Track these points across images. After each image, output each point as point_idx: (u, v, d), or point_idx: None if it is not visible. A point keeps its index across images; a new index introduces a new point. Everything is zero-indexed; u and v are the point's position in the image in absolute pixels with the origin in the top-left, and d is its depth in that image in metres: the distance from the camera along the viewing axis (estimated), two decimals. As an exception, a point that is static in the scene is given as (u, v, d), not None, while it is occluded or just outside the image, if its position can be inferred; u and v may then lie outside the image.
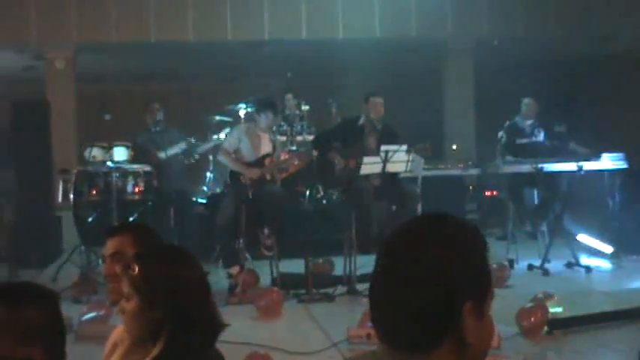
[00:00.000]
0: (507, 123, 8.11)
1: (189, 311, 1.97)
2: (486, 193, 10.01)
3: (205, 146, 8.08)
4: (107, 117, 7.25)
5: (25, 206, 8.42)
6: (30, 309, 1.58)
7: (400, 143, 6.49)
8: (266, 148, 6.80)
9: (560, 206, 7.35)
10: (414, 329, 1.25)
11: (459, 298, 1.25)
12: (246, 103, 9.24)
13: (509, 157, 7.78)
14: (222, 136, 7.98)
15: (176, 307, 1.96)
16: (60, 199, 7.54)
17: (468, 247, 1.29)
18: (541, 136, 8.01)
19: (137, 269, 2.02)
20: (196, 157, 7.83)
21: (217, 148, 8.09)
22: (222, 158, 6.92)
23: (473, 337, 1.26)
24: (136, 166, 7.20)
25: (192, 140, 7.72)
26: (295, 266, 6.73)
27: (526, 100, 8.04)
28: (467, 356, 1.27)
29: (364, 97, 6.94)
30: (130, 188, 7.08)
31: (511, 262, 7.22)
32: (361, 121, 6.91)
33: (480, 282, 1.29)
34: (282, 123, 8.87)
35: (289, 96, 9.17)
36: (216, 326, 2.04)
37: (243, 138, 6.79)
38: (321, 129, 8.61)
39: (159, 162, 7.45)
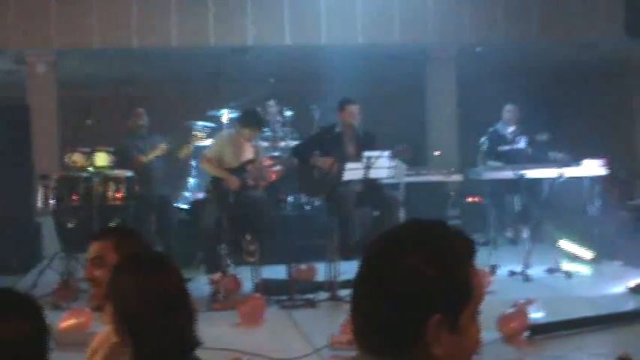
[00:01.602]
0: (490, 129, 8.16)
1: (154, 324, 1.94)
2: (468, 200, 10.05)
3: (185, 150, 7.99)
4: (89, 122, 7.21)
5: (5, 212, 8.35)
6: (13, 323, 1.56)
7: (380, 148, 6.50)
8: (248, 154, 6.81)
9: (541, 212, 7.40)
10: (379, 338, 1.25)
11: (423, 310, 1.22)
12: (229, 108, 9.24)
13: (491, 162, 7.80)
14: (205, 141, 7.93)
15: (141, 319, 1.94)
16: (40, 205, 7.48)
17: (445, 257, 1.25)
18: (522, 143, 8.06)
19: (111, 276, 2.03)
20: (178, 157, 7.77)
21: (198, 149, 8.07)
22: (204, 166, 6.91)
23: (443, 351, 1.23)
24: (117, 172, 7.16)
25: (165, 144, 7.68)
26: (277, 272, 6.72)
27: (507, 107, 8.10)
28: None
29: (339, 105, 6.94)
30: (111, 194, 7.03)
31: (492, 268, 7.25)
32: (337, 128, 6.91)
33: (455, 294, 1.24)
34: (265, 129, 8.87)
35: (271, 102, 9.17)
36: (188, 341, 2.00)
37: (225, 145, 6.79)
38: (304, 135, 8.61)
39: (142, 166, 7.41)
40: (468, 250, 1.30)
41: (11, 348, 1.54)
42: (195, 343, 2.01)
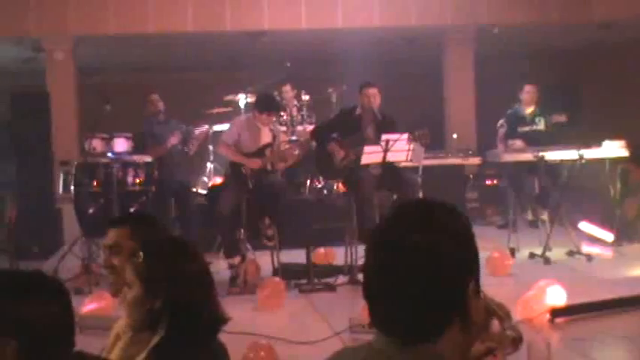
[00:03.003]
0: (508, 111, 8.09)
1: (189, 302, 1.98)
2: (487, 182, 10.01)
3: (199, 129, 8.01)
4: (107, 108, 7.24)
5: (26, 198, 8.43)
6: (44, 303, 1.59)
7: (399, 132, 6.47)
8: (266, 138, 6.79)
9: (560, 194, 7.34)
10: (426, 318, 1.26)
11: (464, 278, 1.27)
12: (245, 93, 9.23)
13: (511, 142, 7.71)
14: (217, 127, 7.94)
15: (177, 297, 1.98)
16: (61, 191, 7.53)
17: (459, 228, 1.31)
18: (542, 125, 7.98)
19: (141, 257, 2.04)
20: (193, 141, 7.80)
21: (216, 134, 8.09)
22: (222, 151, 6.91)
23: (475, 314, 1.28)
24: (136, 157, 7.19)
25: (184, 127, 7.72)
26: (296, 256, 6.73)
27: (526, 88, 8.00)
28: (471, 334, 1.30)
29: (359, 87, 6.93)
30: (130, 179, 7.07)
31: (512, 251, 7.22)
32: (358, 111, 6.89)
33: (475, 260, 1.31)
34: (282, 113, 8.87)
35: (287, 87, 9.14)
36: (218, 319, 2.05)
37: (243, 130, 6.78)
38: (321, 119, 8.59)
39: (164, 153, 7.44)
40: (466, 218, 1.36)
41: (42, 327, 1.57)
42: (224, 319, 2.07)
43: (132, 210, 6.84)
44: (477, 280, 1.30)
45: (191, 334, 1.97)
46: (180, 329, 1.97)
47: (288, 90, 9.13)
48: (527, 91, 7.99)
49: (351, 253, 6.44)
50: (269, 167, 6.75)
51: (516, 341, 1.45)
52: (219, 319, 2.06)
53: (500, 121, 8.06)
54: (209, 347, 2.02)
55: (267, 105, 6.74)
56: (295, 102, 9.17)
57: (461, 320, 1.27)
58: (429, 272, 1.25)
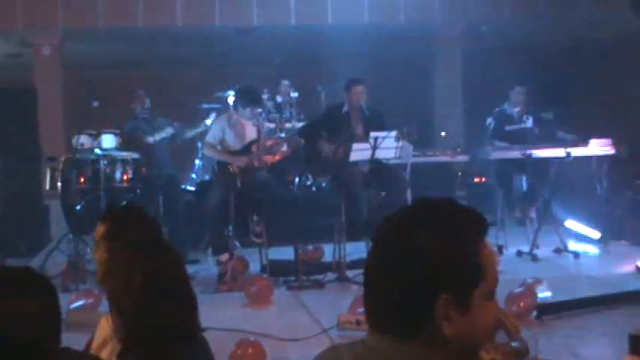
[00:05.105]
0: (496, 109, 8.12)
1: (137, 311, 1.91)
2: (475, 180, 10.03)
3: (192, 132, 8.01)
4: (95, 104, 7.21)
5: (13, 195, 8.37)
6: (33, 299, 1.59)
7: (388, 129, 6.48)
8: (251, 134, 6.78)
9: (548, 192, 7.37)
10: (392, 317, 1.25)
11: (432, 289, 1.21)
12: (234, 90, 9.21)
13: (497, 143, 7.76)
14: (209, 122, 7.91)
15: (124, 305, 1.92)
16: (48, 187, 7.50)
17: (453, 235, 1.23)
18: (529, 123, 8.02)
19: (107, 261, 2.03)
20: (183, 138, 7.80)
21: (205, 134, 8.06)
22: (207, 152, 6.90)
23: (454, 330, 1.22)
24: (124, 154, 7.16)
25: (176, 124, 7.70)
26: (285, 253, 6.73)
27: (518, 89, 8.03)
28: (450, 349, 1.23)
29: (345, 84, 6.91)
30: (118, 176, 7.03)
31: (500, 248, 7.25)
32: (345, 108, 6.88)
33: (464, 273, 1.23)
34: (272, 110, 8.84)
35: (286, 82, 9.11)
36: (182, 329, 1.96)
37: (226, 128, 6.76)
38: (310, 116, 8.58)
39: (147, 148, 7.41)
40: (477, 228, 1.26)
41: (31, 322, 1.57)
42: (191, 331, 1.97)
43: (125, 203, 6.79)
44: (463, 295, 1.22)
45: (145, 339, 1.90)
46: (132, 332, 1.91)
47: (286, 85, 9.11)
48: (519, 92, 8.03)
49: (340, 250, 6.44)
50: (256, 164, 6.73)
51: (521, 354, 1.44)
52: (184, 330, 1.96)
53: (489, 120, 8.10)
54: (189, 343, 1.97)
55: (250, 98, 6.70)
56: (287, 98, 9.15)
57: (430, 331, 1.22)
58: (396, 273, 1.23)
